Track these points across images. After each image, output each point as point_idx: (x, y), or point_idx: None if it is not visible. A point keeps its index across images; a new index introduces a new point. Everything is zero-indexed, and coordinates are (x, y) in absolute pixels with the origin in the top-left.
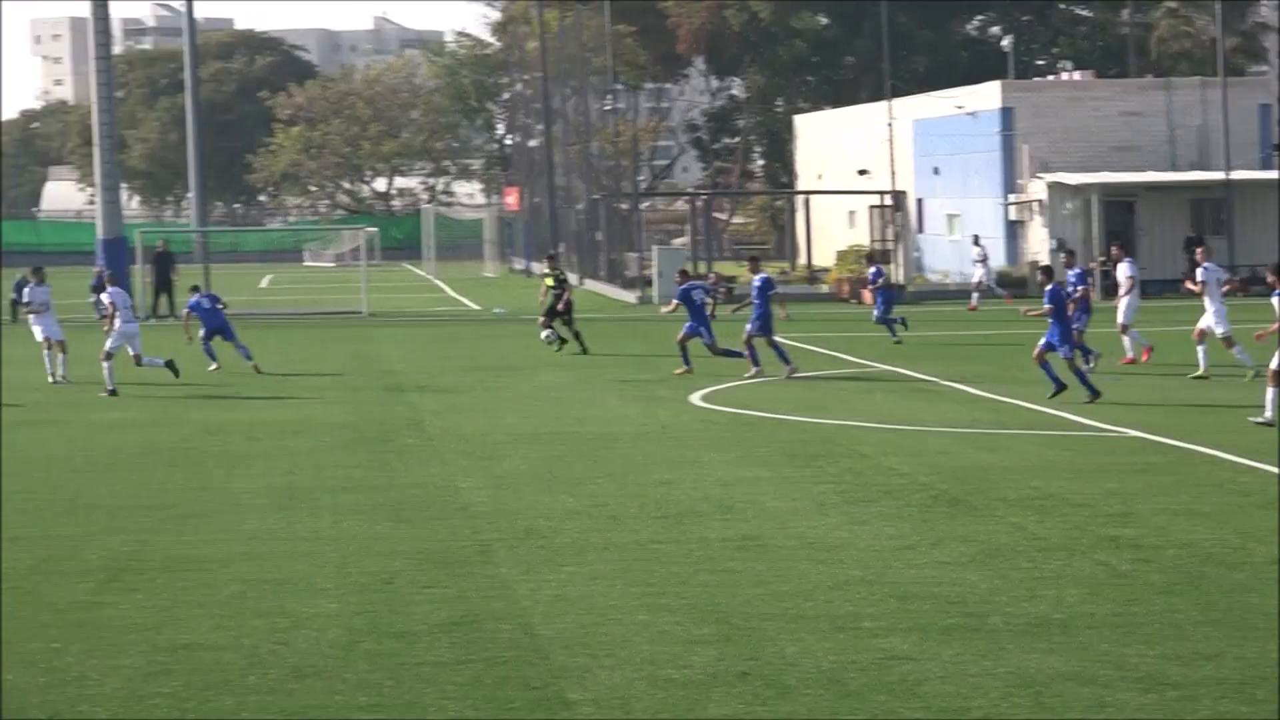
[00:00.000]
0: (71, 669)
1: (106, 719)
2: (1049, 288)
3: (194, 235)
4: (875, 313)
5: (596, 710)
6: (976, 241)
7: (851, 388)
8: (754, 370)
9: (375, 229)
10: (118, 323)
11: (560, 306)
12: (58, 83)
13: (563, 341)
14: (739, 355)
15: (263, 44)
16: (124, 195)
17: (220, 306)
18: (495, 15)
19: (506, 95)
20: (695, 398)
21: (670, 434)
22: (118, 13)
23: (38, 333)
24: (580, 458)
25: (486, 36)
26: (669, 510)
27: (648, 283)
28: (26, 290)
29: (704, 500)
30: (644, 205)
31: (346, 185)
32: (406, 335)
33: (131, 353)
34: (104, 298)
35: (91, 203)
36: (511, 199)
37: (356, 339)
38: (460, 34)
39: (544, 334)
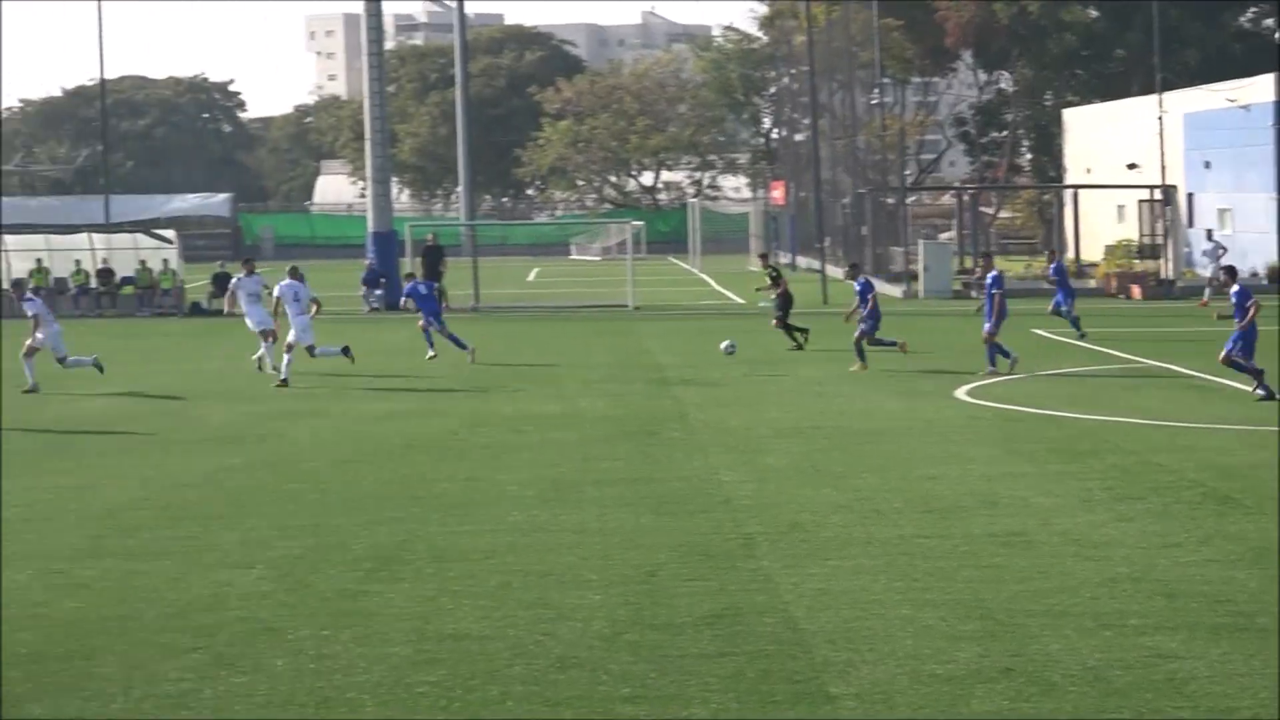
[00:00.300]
0: (340, 657)
1: (374, 706)
2: (1235, 290)
3: (462, 229)
4: (1061, 304)
5: (859, 705)
6: (1210, 236)
7: (1120, 384)
8: (988, 370)
9: (641, 223)
10: (291, 316)
11: (777, 296)
12: (331, 78)
13: (799, 345)
14: (887, 346)
15: (532, 39)
16: (394, 189)
17: (436, 292)
18: (763, 9)
19: (773, 89)
20: (960, 393)
21: (934, 429)
22: (390, 9)
23: (250, 324)
24: (843, 452)
25: (754, 31)
26: (933, 505)
27: (913, 277)
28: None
29: (968, 495)
30: (910, 199)
31: (613, 179)
32: (671, 329)
33: (302, 345)
34: (275, 291)
35: (362, 196)
36: (777, 193)
37: (622, 332)
38: (727, 28)
39: (723, 344)
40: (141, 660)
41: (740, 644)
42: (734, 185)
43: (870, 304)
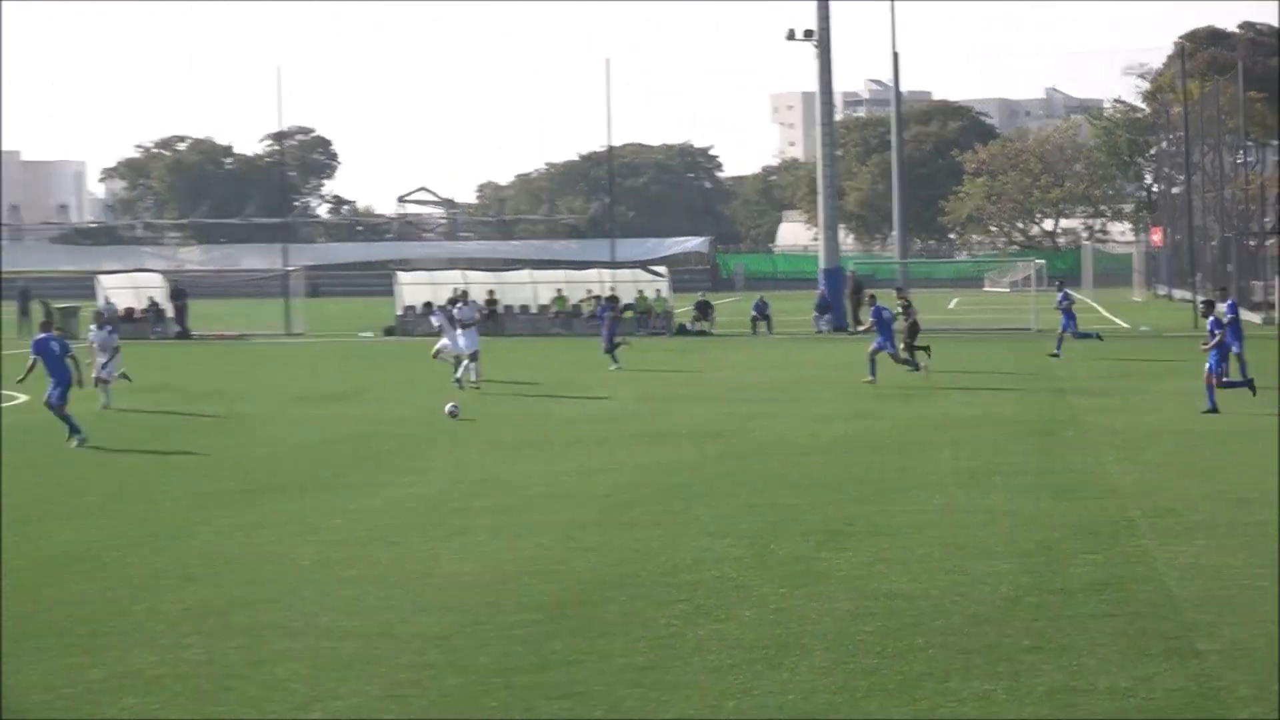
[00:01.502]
0: (795, 610)
1: (821, 650)
2: None
3: (896, 266)
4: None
5: (1221, 660)
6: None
7: None
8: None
9: (1043, 261)
10: (442, 339)
11: (906, 325)
12: (791, 144)
13: (915, 367)
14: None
15: (954, 111)
16: (841, 233)
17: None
18: (1145, 85)
19: (1154, 151)
20: None
21: None
22: (839, 87)
23: (462, 345)
24: (1213, 451)
25: (1138, 103)
26: None
27: (1271, 306)
28: (458, 308)
29: None
30: (1269, 241)
31: (1019, 225)
32: (1067, 347)
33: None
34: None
35: (815, 240)
36: (1156, 236)
37: (1026, 351)
38: (1116, 101)
39: (448, 406)
40: (638, 609)
41: (1122, 607)
42: (1120, 230)
43: (884, 324)
